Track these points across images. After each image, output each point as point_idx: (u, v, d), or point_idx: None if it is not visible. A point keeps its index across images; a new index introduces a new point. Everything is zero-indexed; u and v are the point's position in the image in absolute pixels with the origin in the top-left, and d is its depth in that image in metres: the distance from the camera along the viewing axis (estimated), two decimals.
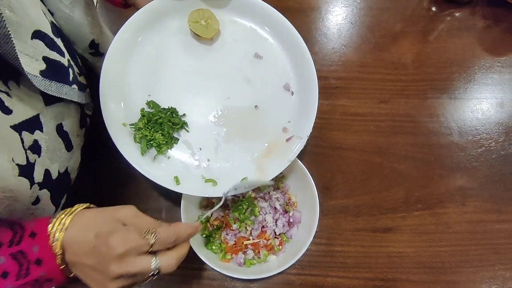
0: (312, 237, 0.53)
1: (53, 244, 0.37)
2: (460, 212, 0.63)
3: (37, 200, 0.45)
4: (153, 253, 0.39)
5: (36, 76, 0.42)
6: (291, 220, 0.58)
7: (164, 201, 0.62)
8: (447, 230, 0.61)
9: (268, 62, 0.59)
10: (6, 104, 0.39)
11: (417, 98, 0.71)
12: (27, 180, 0.42)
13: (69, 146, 0.52)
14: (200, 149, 0.55)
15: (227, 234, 0.57)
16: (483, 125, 0.69)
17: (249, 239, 0.56)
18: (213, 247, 0.56)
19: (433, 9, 0.81)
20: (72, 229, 0.38)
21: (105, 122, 0.51)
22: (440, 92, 0.72)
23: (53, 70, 0.45)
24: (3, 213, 0.39)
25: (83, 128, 0.57)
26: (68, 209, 0.40)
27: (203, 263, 0.52)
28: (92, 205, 0.43)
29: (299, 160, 0.57)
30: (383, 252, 0.60)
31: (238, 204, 0.56)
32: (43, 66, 0.43)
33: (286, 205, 0.58)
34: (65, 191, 0.52)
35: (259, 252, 0.56)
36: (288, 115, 0.58)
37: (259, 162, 0.55)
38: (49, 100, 0.46)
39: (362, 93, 0.71)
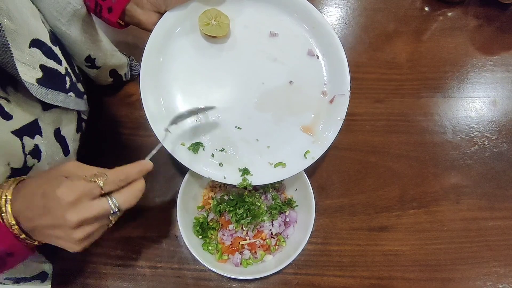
0: (308, 237, 0.54)
1: (5, 218, 0.37)
2: (455, 210, 0.63)
3: None
4: (108, 194, 0.39)
5: (33, 84, 0.42)
6: (287, 219, 0.58)
7: (159, 202, 0.62)
8: (441, 228, 0.62)
9: (285, 36, 0.59)
10: (6, 109, 0.40)
11: (411, 97, 0.71)
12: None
13: (66, 151, 0.53)
14: (257, 140, 0.56)
15: (223, 234, 0.57)
16: (476, 123, 0.70)
17: (246, 239, 0.56)
18: (210, 248, 0.56)
19: (426, 9, 0.81)
20: (17, 198, 0.38)
21: (149, 120, 0.51)
22: (434, 91, 0.72)
23: (49, 78, 0.45)
24: None
25: (79, 133, 0.57)
26: (2, 184, 0.40)
27: (200, 263, 0.52)
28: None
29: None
30: (379, 251, 0.60)
31: (235, 206, 0.56)
32: (39, 74, 0.44)
33: (283, 204, 0.58)
34: None
35: (255, 252, 0.56)
36: (322, 78, 0.58)
37: (313, 131, 0.56)
38: (47, 105, 0.47)
39: (358, 93, 0.71)
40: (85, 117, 0.59)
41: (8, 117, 0.40)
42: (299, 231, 0.57)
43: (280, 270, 0.53)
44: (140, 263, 0.58)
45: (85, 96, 0.56)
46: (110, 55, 0.62)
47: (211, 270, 0.52)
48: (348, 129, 0.68)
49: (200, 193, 0.61)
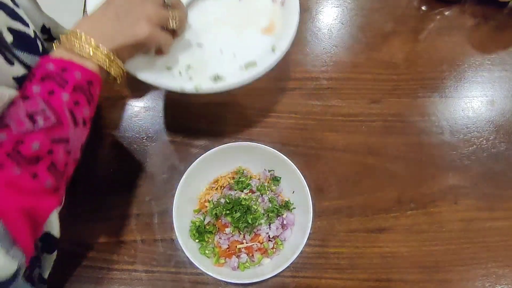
0: (306, 239, 0.53)
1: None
2: (453, 210, 0.63)
3: None
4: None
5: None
6: (284, 222, 0.58)
7: (155, 205, 0.62)
8: (440, 229, 0.61)
9: None
10: (7, 55, 0.40)
11: (408, 98, 0.71)
12: None
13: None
14: (221, 51, 0.57)
15: (220, 238, 0.56)
16: (474, 123, 0.69)
17: (243, 243, 0.56)
18: (206, 251, 0.56)
19: (423, 8, 0.81)
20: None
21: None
22: (431, 91, 0.72)
23: (21, 41, 0.44)
24: None
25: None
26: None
27: (197, 268, 0.52)
28: None
29: (291, 162, 0.57)
30: (377, 253, 0.60)
31: (232, 209, 0.56)
32: (10, 37, 0.42)
33: (280, 207, 0.58)
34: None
35: (253, 255, 0.56)
36: None
37: (273, 31, 0.58)
38: None
39: (354, 93, 0.71)
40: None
41: (10, 62, 0.41)
42: (296, 233, 0.57)
43: (278, 273, 0.52)
44: (136, 267, 0.58)
45: None
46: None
47: (208, 274, 0.51)
48: (344, 130, 0.68)
49: (196, 196, 0.60)
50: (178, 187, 0.55)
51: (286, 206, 0.59)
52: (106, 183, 0.63)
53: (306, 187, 0.56)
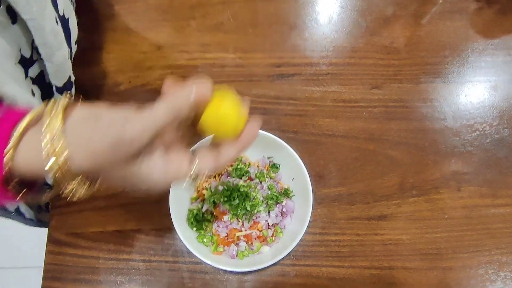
0: (306, 227, 0.52)
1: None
2: (455, 197, 0.62)
3: (56, 20, 0.44)
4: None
5: None
6: (284, 210, 0.57)
7: (152, 194, 0.60)
8: (442, 216, 0.60)
9: None
10: None
11: (410, 83, 0.69)
12: None
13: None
14: None
15: (218, 226, 0.55)
16: (477, 109, 0.68)
17: (241, 231, 0.55)
18: (204, 240, 0.54)
19: None
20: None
21: None
22: (433, 76, 0.70)
23: None
24: None
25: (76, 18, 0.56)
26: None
27: (195, 256, 0.51)
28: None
29: (291, 148, 0.56)
30: (379, 240, 0.59)
31: (230, 196, 0.55)
32: None
33: (279, 194, 0.57)
34: (69, 45, 0.51)
35: (252, 243, 0.55)
36: None
37: None
38: None
39: (354, 79, 0.69)
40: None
41: None
42: (296, 221, 0.56)
43: (278, 261, 0.51)
44: (133, 256, 0.57)
45: None
46: None
47: (206, 263, 0.50)
48: (344, 116, 0.66)
49: (194, 184, 0.59)
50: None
51: (286, 193, 0.58)
52: None
53: (306, 174, 0.55)
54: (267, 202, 0.56)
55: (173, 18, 0.74)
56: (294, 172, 0.57)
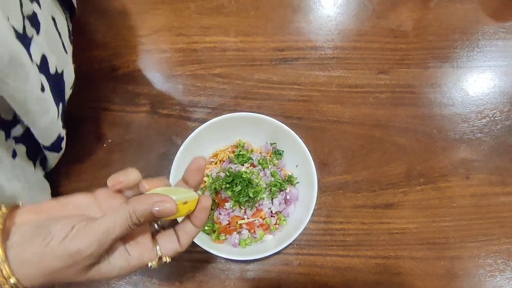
0: (310, 215, 0.50)
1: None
2: (464, 185, 0.60)
3: (42, 87, 0.38)
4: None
5: None
6: (288, 197, 0.55)
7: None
8: (450, 205, 0.59)
9: None
10: None
11: (418, 68, 0.67)
12: (25, 50, 0.34)
13: (64, 47, 0.47)
14: None
15: (219, 213, 0.53)
16: (487, 94, 0.66)
17: (244, 218, 0.53)
18: (206, 228, 0.53)
19: None
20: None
21: None
22: (442, 61, 0.68)
23: None
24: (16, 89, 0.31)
25: (71, 46, 0.51)
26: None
27: (196, 245, 0.49)
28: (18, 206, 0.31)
29: (295, 134, 0.54)
30: (385, 229, 0.57)
31: (232, 183, 0.53)
32: None
33: (283, 181, 0.55)
34: (61, 98, 0.45)
35: (254, 231, 0.53)
36: None
37: None
38: None
39: (360, 63, 0.67)
40: (71, 29, 0.53)
41: None
42: (300, 209, 0.54)
43: (281, 250, 0.50)
44: None
45: None
46: None
47: (207, 252, 0.49)
48: (350, 101, 0.64)
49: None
50: (174, 160, 0.52)
51: (290, 180, 0.56)
52: (99, 159, 0.60)
53: (311, 160, 0.53)
54: (271, 189, 0.54)
55: (171, 1, 0.71)
56: (298, 158, 0.55)
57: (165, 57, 0.67)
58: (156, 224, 0.36)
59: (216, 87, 0.65)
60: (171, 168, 0.52)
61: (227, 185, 0.52)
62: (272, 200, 0.54)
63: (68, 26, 0.51)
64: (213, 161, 0.58)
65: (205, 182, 0.55)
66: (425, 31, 0.70)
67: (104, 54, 0.67)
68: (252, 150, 0.58)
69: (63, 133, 0.47)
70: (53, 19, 0.45)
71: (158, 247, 0.32)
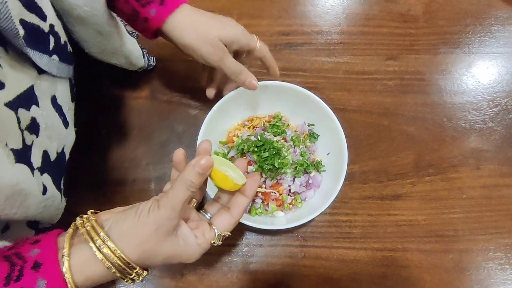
0: (328, 206, 0.48)
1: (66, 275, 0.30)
2: (474, 176, 0.58)
3: (45, 189, 0.39)
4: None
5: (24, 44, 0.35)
6: (310, 181, 0.53)
7: (153, 171, 0.57)
8: (460, 196, 0.57)
9: None
10: None
11: (428, 54, 0.65)
12: (26, 166, 0.36)
13: (65, 122, 0.46)
14: None
15: None
16: (499, 82, 0.63)
17: (261, 187, 0.51)
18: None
19: None
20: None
21: None
22: (453, 47, 0.65)
23: (32, 37, 0.37)
24: (18, 213, 0.34)
25: (74, 102, 0.50)
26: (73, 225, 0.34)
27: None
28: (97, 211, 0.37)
29: (339, 124, 0.52)
30: (392, 221, 0.55)
31: (261, 147, 0.51)
32: (21, 31, 0.36)
33: (310, 164, 0.53)
34: (62, 173, 0.47)
35: (267, 204, 0.51)
36: None
37: None
38: (42, 68, 0.40)
39: (368, 49, 0.65)
40: (74, 81, 0.51)
41: (0, 85, 0.33)
42: (319, 197, 0.52)
43: (288, 229, 0.49)
44: None
45: (73, 64, 0.47)
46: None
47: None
48: (357, 89, 0.62)
49: (227, 129, 0.56)
50: (210, 112, 0.51)
51: (317, 166, 0.54)
52: (98, 147, 0.58)
53: (345, 153, 0.50)
54: (296, 167, 0.52)
55: None
56: (333, 148, 0.53)
57: (166, 43, 0.64)
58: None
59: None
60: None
61: (255, 149, 0.50)
62: (294, 179, 0.52)
63: (71, 83, 0.49)
64: (247, 125, 0.56)
65: (233, 142, 0.54)
66: (435, 16, 0.68)
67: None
68: (288, 125, 0.56)
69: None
70: (53, 98, 0.43)
71: (214, 228, 0.37)
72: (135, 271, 0.33)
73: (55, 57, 0.42)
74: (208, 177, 0.37)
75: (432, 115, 0.61)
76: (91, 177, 0.56)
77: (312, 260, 0.53)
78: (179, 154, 0.39)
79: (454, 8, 0.68)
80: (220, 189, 0.41)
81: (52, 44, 0.42)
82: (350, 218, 0.55)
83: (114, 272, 0.32)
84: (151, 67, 0.62)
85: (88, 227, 0.33)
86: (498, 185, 0.58)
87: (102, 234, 0.32)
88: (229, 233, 0.38)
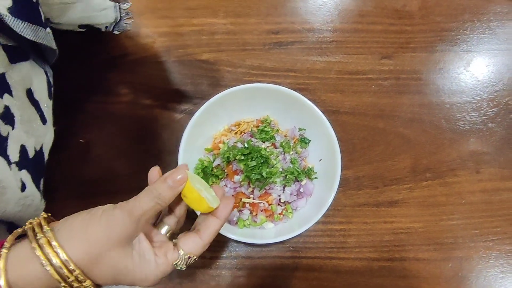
0: (321, 215, 0.46)
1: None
2: (474, 180, 0.56)
3: (23, 186, 0.38)
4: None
5: (6, 15, 0.33)
6: (301, 190, 0.50)
7: (134, 181, 0.54)
8: (459, 201, 0.55)
9: None
10: None
11: (424, 52, 0.62)
12: (2, 158, 0.35)
13: (43, 118, 0.45)
14: None
15: (225, 185, 0.49)
16: (499, 80, 0.61)
17: (249, 197, 0.48)
18: None
19: None
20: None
21: None
22: (450, 44, 0.63)
23: (21, 7, 0.36)
24: None
25: (51, 100, 0.48)
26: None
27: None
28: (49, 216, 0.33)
29: (332, 128, 0.49)
30: (388, 229, 0.53)
31: (248, 156, 0.48)
32: (9, 1, 0.34)
33: (301, 171, 0.50)
34: (42, 173, 0.45)
35: (256, 215, 0.49)
36: None
37: None
38: (13, 56, 0.38)
39: (362, 47, 0.62)
40: (51, 80, 0.49)
41: None
42: (311, 206, 0.50)
43: (278, 243, 0.47)
44: None
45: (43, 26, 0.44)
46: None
47: None
48: (351, 89, 0.60)
49: (213, 134, 0.54)
50: (194, 116, 0.48)
51: (308, 173, 0.51)
52: (77, 156, 0.55)
53: (339, 159, 0.48)
54: (286, 176, 0.49)
55: None
56: (325, 153, 0.51)
57: (148, 42, 0.61)
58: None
59: (204, 74, 0.60)
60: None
61: (242, 157, 0.47)
62: (284, 187, 0.50)
63: (47, 80, 0.47)
64: (234, 130, 0.54)
65: (219, 149, 0.51)
66: (432, 12, 0.65)
67: (80, 39, 0.61)
68: (278, 130, 0.54)
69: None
70: (28, 92, 0.42)
71: (180, 250, 0.34)
72: (74, 273, 0.28)
73: (49, 30, 0.42)
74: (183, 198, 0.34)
75: (430, 116, 0.59)
76: (72, 185, 0.54)
77: (304, 272, 0.51)
78: (154, 173, 0.35)
79: (451, 3, 0.66)
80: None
81: (43, 16, 0.40)
82: (344, 226, 0.53)
83: (49, 271, 0.28)
84: (123, 29, 0.58)
85: (34, 223, 0.30)
86: (498, 189, 0.55)
87: (45, 228, 0.29)
88: (195, 257, 0.34)
